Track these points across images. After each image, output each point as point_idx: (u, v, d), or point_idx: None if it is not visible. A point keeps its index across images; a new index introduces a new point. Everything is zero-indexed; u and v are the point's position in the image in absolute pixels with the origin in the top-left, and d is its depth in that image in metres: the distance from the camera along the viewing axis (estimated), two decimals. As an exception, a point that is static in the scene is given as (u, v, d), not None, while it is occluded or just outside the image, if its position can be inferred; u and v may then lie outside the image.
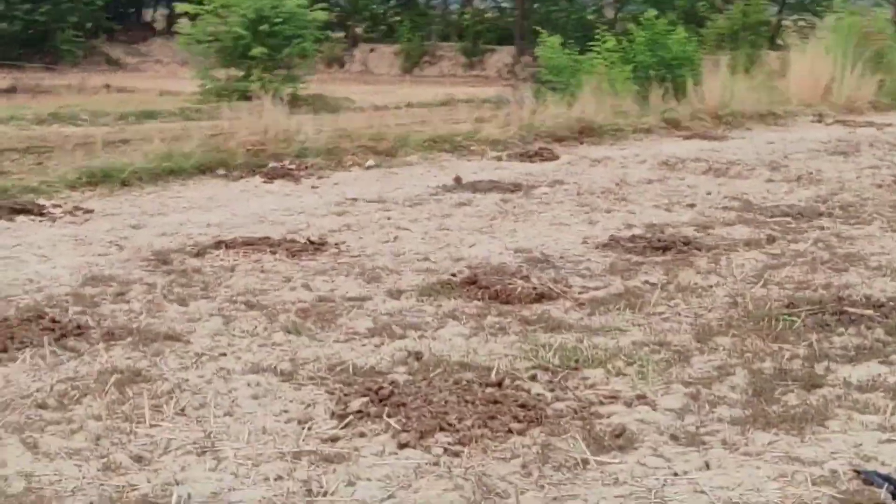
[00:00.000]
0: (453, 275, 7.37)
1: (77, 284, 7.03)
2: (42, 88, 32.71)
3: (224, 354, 5.61)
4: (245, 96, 27.17)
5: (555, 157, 13.60)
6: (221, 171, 11.77)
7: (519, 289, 6.77)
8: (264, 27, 27.92)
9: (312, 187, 11.25)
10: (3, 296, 6.69)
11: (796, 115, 19.21)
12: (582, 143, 15.09)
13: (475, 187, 11.04)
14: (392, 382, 5.11)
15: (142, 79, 39.35)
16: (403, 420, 4.63)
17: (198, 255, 7.95)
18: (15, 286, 6.97)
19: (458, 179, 11.37)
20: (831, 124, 18.73)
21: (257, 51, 27.88)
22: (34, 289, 6.92)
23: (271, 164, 12.03)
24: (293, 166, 12.09)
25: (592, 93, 16.47)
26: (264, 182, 11.42)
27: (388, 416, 4.68)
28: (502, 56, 50.75)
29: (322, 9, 29.23)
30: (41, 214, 9.58)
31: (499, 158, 13.60)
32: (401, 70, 51.57)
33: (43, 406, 4.81)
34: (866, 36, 22.37)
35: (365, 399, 4.86)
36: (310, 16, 29.20)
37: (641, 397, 5.00)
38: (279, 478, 4.11)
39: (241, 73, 28.12)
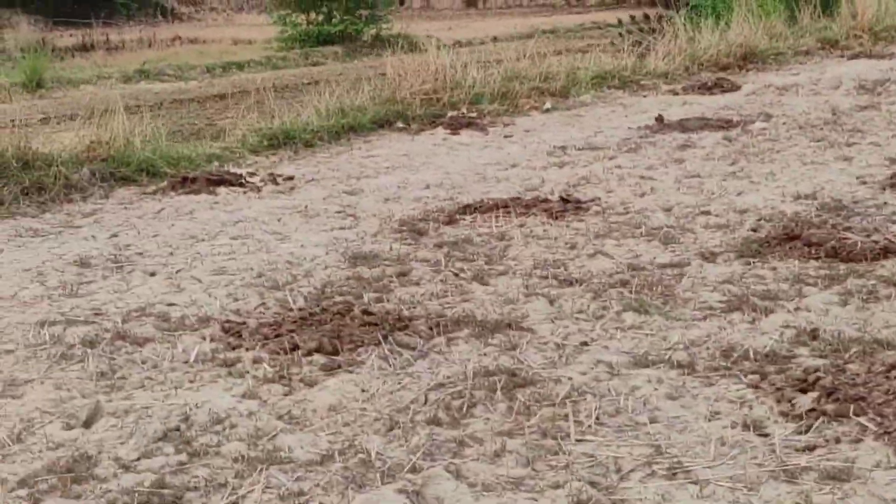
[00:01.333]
0: (753, 230, 6.65)
1: (345, 265, 6.38)
2: (111, 44, 32.06)
3: (586, 343, 4.93)
4: (327, 41, 26.53)
5: (735, 88, 12.81)
6: (400, 125, 11.07)
7: (858, 244, 6.04)
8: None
9: (506, 136, 10.56)
10: (273, 283, 6.04)
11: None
12: (747, 70, 14.26)
13: (683, 126, 10.31)
14: (815, 370, 4.41)
15: (205, 28, 38.58)
16: (877, 419, 3.94)
17: (450, 222, 7.28)
18: (276, 270, 6.33)
19: (659, 119, 10.61)
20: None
21: (343, -9, 27.17)
22: (301, 273, 6.27)
23: (450, 114, 11.31)
24: (473, 114, 11.36)
25: (742, 16, 15.56)
26: (451, 134, 10.72)
27: (856, 414, 3.99)
28: (570, -17, 49.62)
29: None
30: (240, 185, 8.92)
31: (674, 92, 12.84)
32: (463, 3, 50.56)
33: (436, 422, 4.16)
34: None
35: (814, 395, 4.17)
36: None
37: None
38: (797, 505, 3.44)
39: (320, 17, 27.31)
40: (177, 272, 6.46)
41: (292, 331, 5.17)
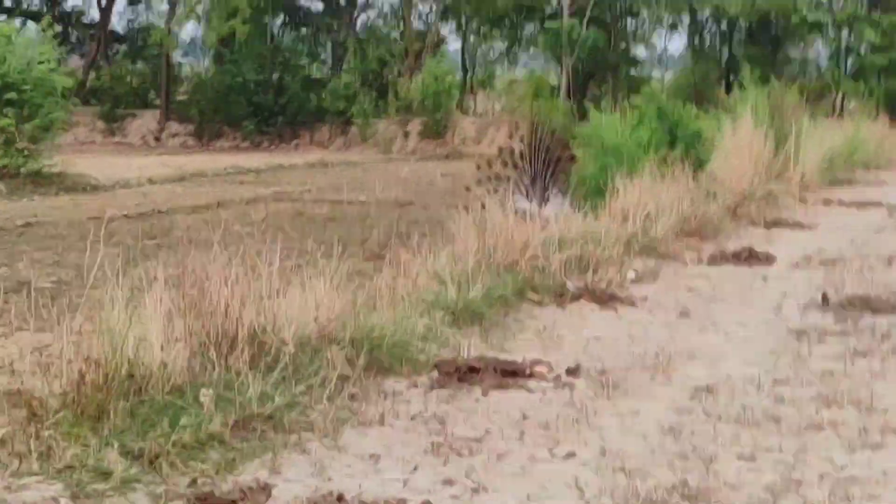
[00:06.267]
0: None
1: None
2: None
3: None
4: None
5: (769, 259, 12.83)
6: (533, 297, 10.13)
7: None
8: (11, 94, 25.44)
9: (681, 314, 9.93)
10: None
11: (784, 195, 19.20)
12: (702, 239, 14.32)
13: (874, 307, 10.11)
14: None
15: None
16: None
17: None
18: None
19: (825, 298, 10.39)
20: (831, 205, 19.05)
21: (4, 121, 25.37)
22: None
23: (568, 285, 10.48)
24: (600, 285, 10.64)
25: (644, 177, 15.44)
26: (607, 309, 10.00)
27: None
28: (146, 121, 48.93)
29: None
30: (530, 376, 7.80)
31: (708, 263, 12.66)
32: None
33: None
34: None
35: None
36: (57, 81, 27.14)
37: None
38: None
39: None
40: None
41: None
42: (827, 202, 19.32)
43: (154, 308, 6.56)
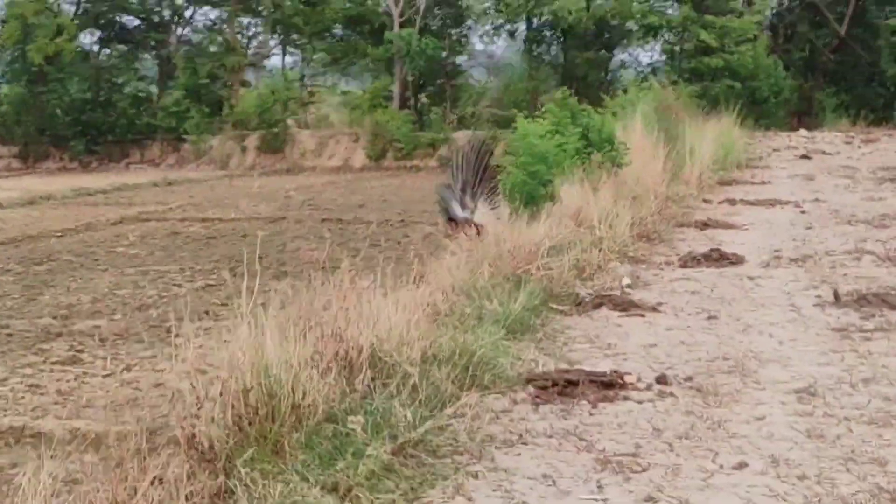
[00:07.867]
0: None
1: None
2: None
3: None
4: None
5: (738, 260, 12.92)
6: (556, 306, 9.97)
7: None
8: None
9: (710, 318, 9.87)
10: None
11: (689, 197, 19.44)
12: (653, 243, 14.39)
13: (890, 303, 10.21)
14: None
15: None
16: None
17: None
18: None
19: (837, 295, 10.47)
20: (737, 204, 19.30)
21: None
22: None
23: (582, 293, 10.35)
24: (610, 292, 10.51)
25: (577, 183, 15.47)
26: (631, 316, 9.88)
27: None
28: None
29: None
30: (621, 386, 7.65)
31: (677, 265, 12.67)
32: None
33: None
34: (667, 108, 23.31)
35: None
36: None
37: None
38: None
39: None
40: None
41: None
42: (731, 202, 19.52)
43: (286, 334, 6.17)
